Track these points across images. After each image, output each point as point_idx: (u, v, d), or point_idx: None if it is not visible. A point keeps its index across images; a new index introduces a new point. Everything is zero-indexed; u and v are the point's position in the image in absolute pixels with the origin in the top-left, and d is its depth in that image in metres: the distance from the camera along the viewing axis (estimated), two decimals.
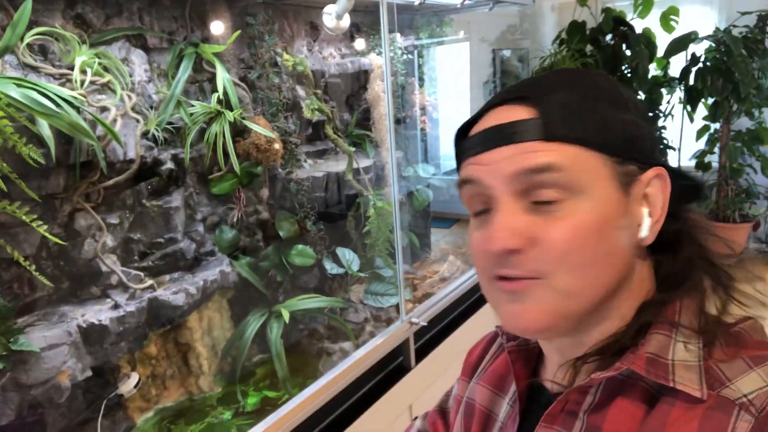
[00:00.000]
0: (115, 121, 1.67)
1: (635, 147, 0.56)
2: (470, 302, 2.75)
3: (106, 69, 1.78)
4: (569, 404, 0.55)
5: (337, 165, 2.58)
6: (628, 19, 5.39)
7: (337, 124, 2.64)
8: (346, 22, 2.18)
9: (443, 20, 3.30)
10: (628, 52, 5.35)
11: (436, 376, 2.35)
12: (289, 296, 2.40)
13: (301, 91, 2.49)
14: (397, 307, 2.36)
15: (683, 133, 5.60)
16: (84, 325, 1.59)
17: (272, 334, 2.22)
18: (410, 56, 2.97)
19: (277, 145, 2.17)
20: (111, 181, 1.74)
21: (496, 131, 0.56)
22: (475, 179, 0.57)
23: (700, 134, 5.41)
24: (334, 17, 2.13)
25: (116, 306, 1.71)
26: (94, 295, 1.75)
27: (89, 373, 1.60)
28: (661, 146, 5.50)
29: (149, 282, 1.84)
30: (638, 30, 5.33)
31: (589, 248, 0.52)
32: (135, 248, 1.97)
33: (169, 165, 2.00)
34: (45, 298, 1.72)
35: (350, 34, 2.77)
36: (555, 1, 6.13)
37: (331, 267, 2.33)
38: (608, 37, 5.40)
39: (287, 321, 2.21)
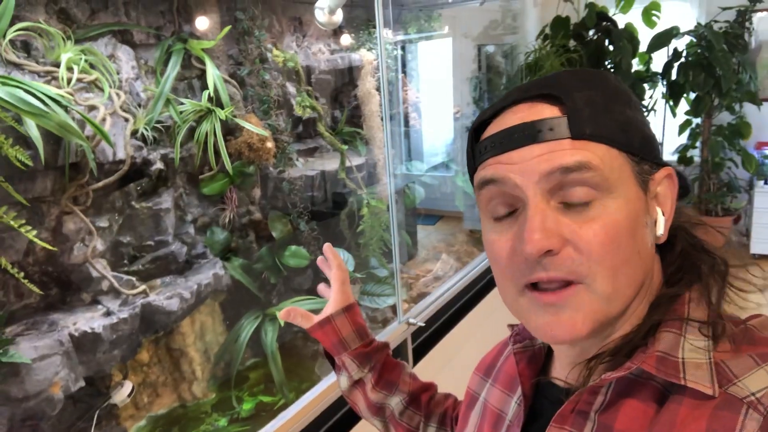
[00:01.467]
0: (104, 120, 1.60)
1: (650, 147, 0.57)
2: (465, 301, 2.73)
3: (92, 66, 1.71)
4: (580, 404, 0.55)
5: (328, 163, 2.53)
6: (610, 14, 5.41)
7: (327, 122, 2.59)
8: (338, 16, 2.13)
9: (431, 15, 3.26)
10: (610, 48, 5.38)
11: (433, 377, 2.32)
12: (282, 298, 2.35)
13: (291, 88, 2.44)
14: (393, 307, 2.32)
15: (665, 128, 5.65)
16: (76, 334, 1.52)
17: (267, 337, 2.16)
18: (400, 51, 2.94)
19: (270, 144, 2.11)
20: (100, 183, 1.67)
21: (522, 129, 0.54)
22: (500, 179, 0.55)
23: (682, 129, 5.46)
24: (326, 12, 2.07)
25: (109, 313, 1.64)
26: (84, 301, 1.68)
27: (82, 383, 1.54)
28: None
29: (142, 287, 1.78)
30: (620, 25, 5.36)
31: (623, 248, 0.52)
32: (124, 252, 1.90)
33: (159, 165, 1.94)
34: (32, 305, 1.64)
35: (338, 30, 2.72)
36: None
37: None
38: (591, 32, 5.42)
39: (282, 324, 2.16)
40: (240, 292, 2.24)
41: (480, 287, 2.90)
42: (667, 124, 5.60)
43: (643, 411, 0.51)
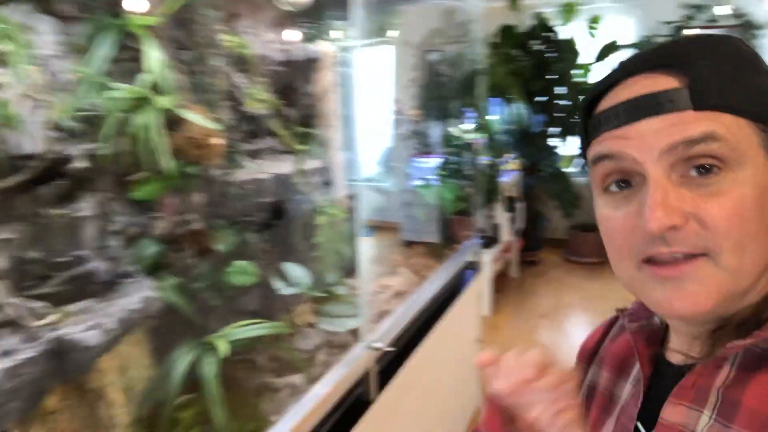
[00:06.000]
0: (14, 103, 1.23)
1: None
2: (428, 317, 2.50)
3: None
4: (701, 378, 0.53)
5: (280, 166, 2.22)
6: (552, 25, 5.42)
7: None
8: None
9: (388, 13, 3.01)
10: (553, 58, 5.38)
11: (398, 403, 2.08)
12: (225, 323, 2.02)
13: (239, 79, 2.11)
14: (353, 329, 2.05)
15: None
16: None
17: (206, 371, 1.83)
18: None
19: (218, 140, 1.79)
20: (6, 183, 1.29)
21: (642, 102, 0.52)
22: (616, 154, 0.54)
23: None
24: None
25: (6, 352, 1.27)
26: None
27: None
28: None
29: (52, 316, 1.41)
30: (563, 36, 5.38)
31: (750, 223, 0.50)
32: (31, 270, 1.52)
33: (80, 163, 1.57)
34: None
35: (293, 18, 2.42)
36: (481, 5, 6.06)
37: (281, 286, 1.97)
38: (536, 42, 5.40)
39: (224, 354, 1.84)
40: (174, 316, 1.88)
41: (443, 301, 2.69)
42: None
43: None
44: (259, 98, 1.99)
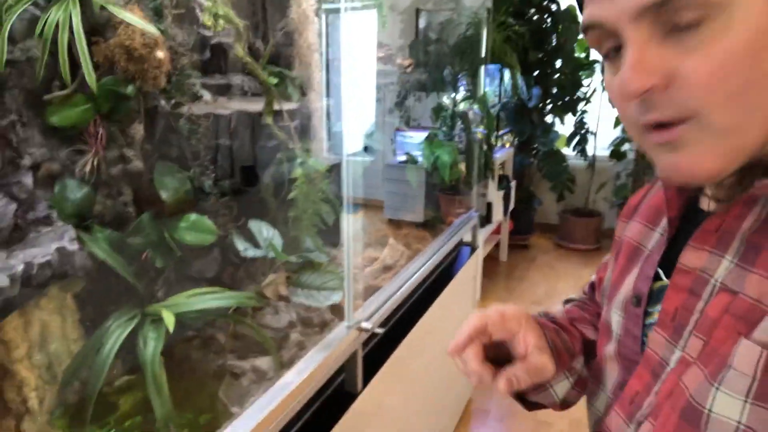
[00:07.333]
0: None
1: None
2: (421, 297, 2.14)
3: None
4: (727, 222, 0.50)
5: (248, 104, 1.83)
6: None
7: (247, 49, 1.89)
8: None
9: None
10: (550, 29, 5.05)
11: (387, 391, 1.71)
12: (173, 290, 1.63)
13: None
14: (333, 306, 1.68)
15: (600, 120, 5.41)
16: None
17: (147, 349, 1.44)
18: None
19: (161, 54, 1.39)
20: None
21: None
22: (596, 21, 0.49)
23: (617, 122, 5.23)
24: None
25: None
26: None
27: None
28: (582, 132, 5.25)
29: None
30: (562, 6, 5.05)
31: (740, 74, 0.43)
32: None
33: None
34: None
35: None
36: None
37: (244, 247, 1.58)
38: (532, 10, 5.05)
39: (171, 328, 1.45)
40: (107, 279, 1.49)
41: (436, 280, 2.33)
42: (603, 116, 5.36)
43: None
44: (218, 13, 1.60)
